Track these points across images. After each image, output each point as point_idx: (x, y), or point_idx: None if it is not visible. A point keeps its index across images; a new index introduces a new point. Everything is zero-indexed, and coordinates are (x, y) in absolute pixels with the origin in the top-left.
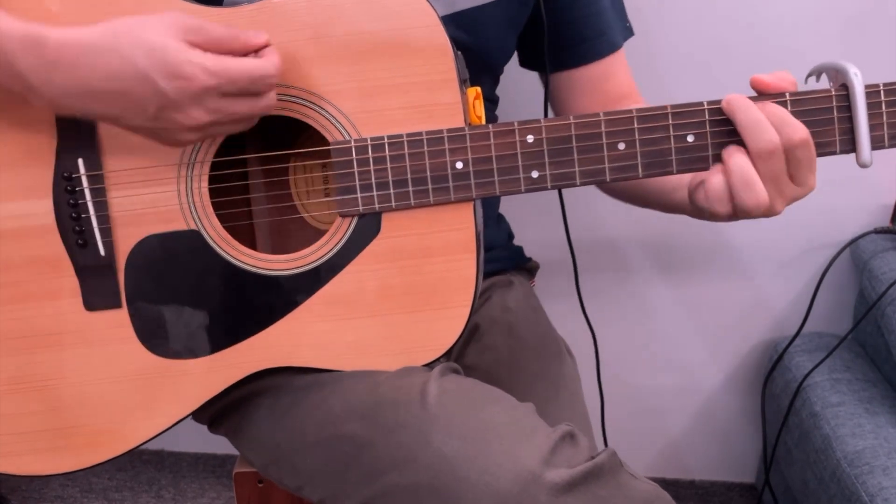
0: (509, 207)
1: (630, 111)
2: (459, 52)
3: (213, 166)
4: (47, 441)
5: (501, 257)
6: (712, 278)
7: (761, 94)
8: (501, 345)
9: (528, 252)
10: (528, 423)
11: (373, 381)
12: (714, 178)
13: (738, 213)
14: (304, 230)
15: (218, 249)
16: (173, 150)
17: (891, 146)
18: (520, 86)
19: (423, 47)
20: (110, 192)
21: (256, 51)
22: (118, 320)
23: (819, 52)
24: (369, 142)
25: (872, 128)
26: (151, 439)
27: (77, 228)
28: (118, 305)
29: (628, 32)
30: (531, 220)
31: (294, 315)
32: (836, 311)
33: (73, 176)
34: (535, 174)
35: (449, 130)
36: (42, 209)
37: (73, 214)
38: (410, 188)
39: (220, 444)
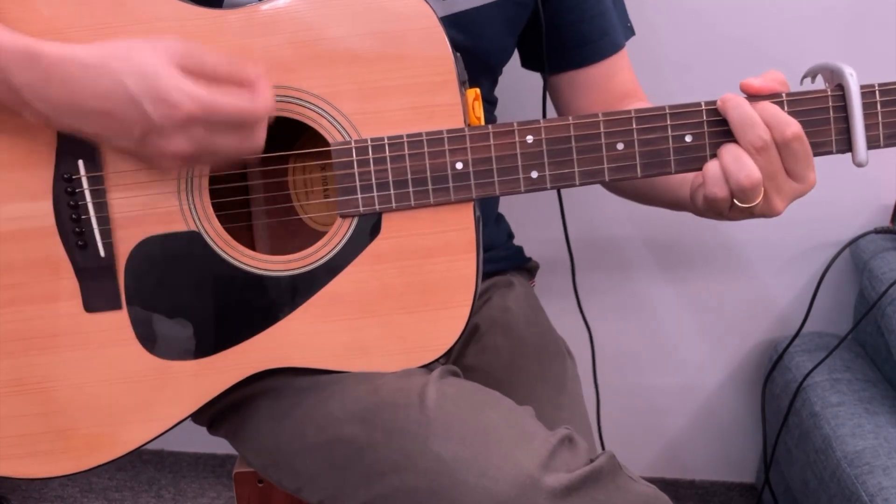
0: (509, 207)
1: (629, 112)
2: (458, 54)
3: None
4: (47, 444)
5: (501, 257)
6: (712, 278)
7: (753, 97)
8: (501, 345)
9: (527, 252)
10: (526, 426)
11: (372, 383)
12: (710, 164)
13: (736, 195)
14: (303, 232)
15: (218, 251)
16: None
17: (886, 146)
18: (518, 86)
19: (422, 48)
20: (110, 194)
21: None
22: (118, 322)
23: (819, 52)
24: (369, 142)
25: (868, 127)
26: (151, 441)
27: (77, 230)
28: (118, 307)
29: (630, 32)
30: (531, 220)
31: (294, 316)
32: (836, 311)
33: (73, 177)
34: (534, 174)
35: (449, 131)
36: (42, 211)
37: (73, 216)
38: (411, 189)
39: (220, 444)
